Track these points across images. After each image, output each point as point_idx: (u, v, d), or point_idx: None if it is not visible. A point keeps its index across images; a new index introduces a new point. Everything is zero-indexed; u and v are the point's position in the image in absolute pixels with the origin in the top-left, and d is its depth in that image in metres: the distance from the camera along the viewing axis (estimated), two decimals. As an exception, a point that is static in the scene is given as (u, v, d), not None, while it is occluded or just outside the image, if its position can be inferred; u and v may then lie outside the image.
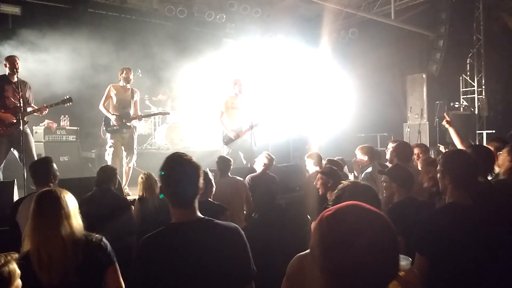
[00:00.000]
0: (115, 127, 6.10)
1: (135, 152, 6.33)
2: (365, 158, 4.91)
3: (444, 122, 4.72)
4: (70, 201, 2.17)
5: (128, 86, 6.26)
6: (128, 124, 6.18)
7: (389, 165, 4.76)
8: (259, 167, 5.38)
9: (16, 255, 1.80)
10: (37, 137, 7.30)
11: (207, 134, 9.32)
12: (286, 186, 6.13)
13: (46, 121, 7.35)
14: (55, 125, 7.43)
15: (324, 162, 5.21)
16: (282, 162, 7.02)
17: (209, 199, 3.69)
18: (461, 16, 9.41)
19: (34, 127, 7.29)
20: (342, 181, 2.29)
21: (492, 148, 3.66)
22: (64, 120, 7.73)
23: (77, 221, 2.15)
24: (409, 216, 2.71)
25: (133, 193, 5.83)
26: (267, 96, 9.39)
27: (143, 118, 6.85)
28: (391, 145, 4.67)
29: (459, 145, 4.37)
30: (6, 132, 5.31)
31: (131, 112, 6.28)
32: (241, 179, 4.92)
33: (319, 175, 3.96)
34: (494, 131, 9.72)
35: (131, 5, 9.62)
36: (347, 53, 11.42)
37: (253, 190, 5.05)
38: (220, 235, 1.82)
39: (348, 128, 10.44)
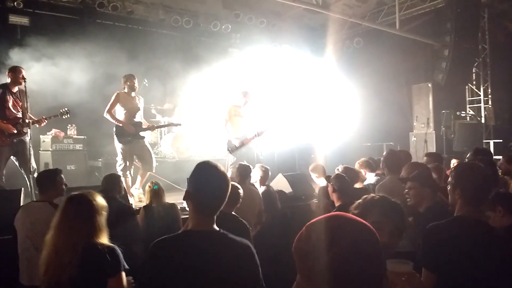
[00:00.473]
0: (129, 138, 6.03)
1: (154, 159, 6.35)
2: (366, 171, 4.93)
3: None
4: (99, 205, 2.26)
5: (133, 94, 6.24)
6: (142, 134, 6.15)
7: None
8: (255, 180, 5.33)
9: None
10: (44, 146, 7.37)
11: (213, 143, 9.34)
12: (292, 195, 6.11)
13: (54, 130, 7.42)
14: (62, 134, 7.50)
15: (340, 168, 5.04)
16: (287, 171, 7.01)
17: (233, 212, 3.64)
18: (466, 25, 9.40)
19: (41, 136, 7.36)
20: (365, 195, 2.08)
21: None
22: (71, 129, 7.80)
23: (99, 227, 2.22)
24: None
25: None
26: (273, 105, 9.42)
27: (155, 129, 6.89)
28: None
29: None
30: (6, 142, 5.37)
31: (140, 120, 6.27)
32: (257, 190, 4.89)
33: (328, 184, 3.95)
34: (501, 140, 9.67)
35: (138, 16, 9.74)
36: (353, 62, 11.44)
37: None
38: (232, 250, 1.82)
39: (354, 137, 10.42)
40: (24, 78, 5.35)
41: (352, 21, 10.49)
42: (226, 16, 10.52)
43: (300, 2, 8.40)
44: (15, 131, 5.38)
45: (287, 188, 6.13)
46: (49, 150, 7.27)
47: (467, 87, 10.55)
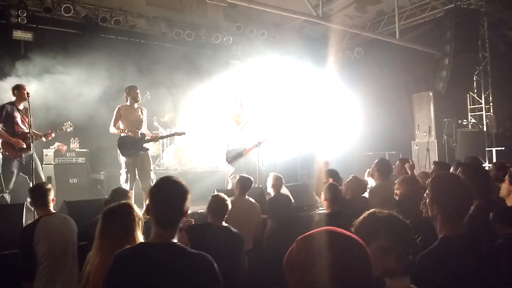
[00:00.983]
0: (132, 151, 6.00)
1: (152, 175, 6.16)
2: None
3: None
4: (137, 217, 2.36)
5: (136, 105, 6.25)
6: (145, 146, 6.14)
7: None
8: (269, 189, 5.45)
9: None
10: (47, 159, 7.40)
11: (215, 154, 9.36)
12: (294, 206, 6.09)
13: (56, 144, 7.46)
14: (65, 147, 7.53)
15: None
16: (289, 181, 7.01)
17: (225, 224, 3.65)
18: (466, 34, 9.45)
19: (44, 150, 7.40)
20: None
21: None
22: (74, 142, 7.84)
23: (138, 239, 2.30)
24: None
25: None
26: (274, 115, 9.46)
27: (158, 140, 6.89)
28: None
29: None
30: (16, 156, 5.62)
31: (144, 131, 6.26)
32: (257, 204, 4.86)
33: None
34: (503, 148, 9.64)
35: (140, 30, 9.85)
36: (353, 72, 11.51)
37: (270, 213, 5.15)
38: (187, 263, 1.83)
39: (356, 146, 10.44)
40: (28, 94, 5.56)
41: (352, 32, 10.58)
42: (227, 28, 10.64)
43: (300, 13, 8.47)
44: (24, 146, 5.61)
45: None
46: (52, 164, 7.31)
47: (468, 95, 10.56)
